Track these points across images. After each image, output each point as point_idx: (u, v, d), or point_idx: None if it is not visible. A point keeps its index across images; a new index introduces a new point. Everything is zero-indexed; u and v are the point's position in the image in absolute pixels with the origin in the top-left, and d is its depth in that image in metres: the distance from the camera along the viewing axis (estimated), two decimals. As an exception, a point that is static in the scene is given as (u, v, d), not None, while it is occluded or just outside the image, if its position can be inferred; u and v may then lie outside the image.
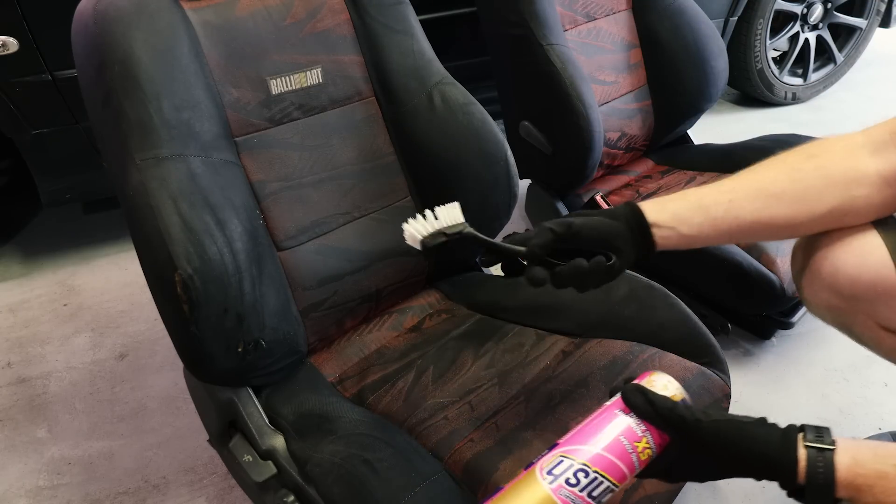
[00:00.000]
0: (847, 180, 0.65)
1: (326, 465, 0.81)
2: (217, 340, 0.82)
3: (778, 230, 0.69)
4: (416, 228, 0.71)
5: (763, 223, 0.68)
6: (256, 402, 0.93)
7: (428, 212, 0.72)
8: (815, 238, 0.75)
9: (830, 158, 0.67)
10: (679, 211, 0.70)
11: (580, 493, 0.58)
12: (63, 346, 1.57)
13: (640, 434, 0.60)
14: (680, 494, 0.83)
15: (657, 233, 0.70)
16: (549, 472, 0.59)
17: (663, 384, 0.64)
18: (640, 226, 0.70)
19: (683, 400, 0.64)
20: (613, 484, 0.59)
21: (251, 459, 0.89)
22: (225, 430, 0.94)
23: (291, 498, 0.85)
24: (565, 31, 1.46)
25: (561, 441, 0.62)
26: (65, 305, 1.71)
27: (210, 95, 0.89)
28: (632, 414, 0.61)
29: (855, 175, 0.65)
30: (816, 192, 0.66)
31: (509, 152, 1.08)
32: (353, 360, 1.04)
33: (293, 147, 0.99)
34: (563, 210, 1.56)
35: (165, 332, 0.84)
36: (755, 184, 0.69)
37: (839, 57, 2.57)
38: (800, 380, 1.34)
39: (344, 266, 1.03)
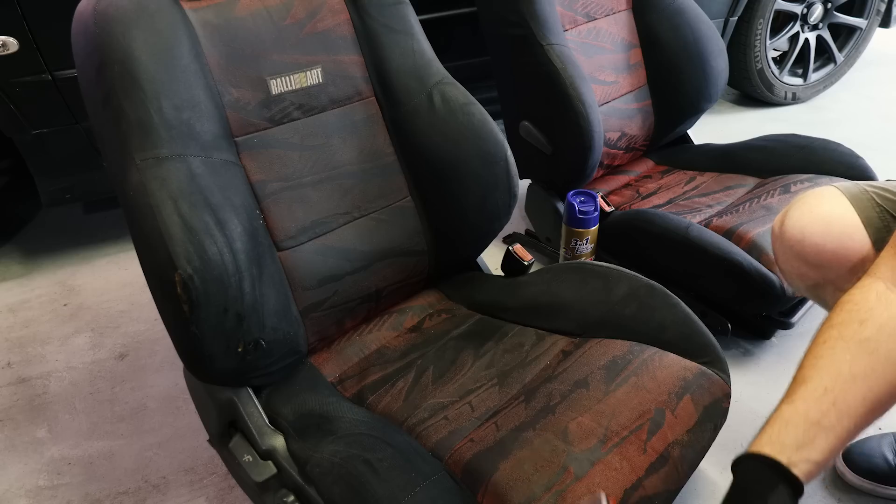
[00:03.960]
0: None
1: (326, 465, 0.81)
2: (217, 340, 0.82)
3: (891, 398, 0.66)
4: None
5: (873, 404, 0.66)
6: (256, 402, 0.93)
7: None
8: (788, 209, 0.75)
9: (878, 313, 0.65)
10: (799, 441, 0.66)
11: None
12: (63, 346, 1.57)
13: None
14: (680, 495, 0.83)
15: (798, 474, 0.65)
16: None
17: None
18: (785, 479, 0.64)
19: None
20: None
21: (251, 459, 0.89)
22: (225, 430, 0.94)
23: (291, 498, 0.85)
24: (565, 31, 1.46)
25: None
26: (65, 305, 1.71)
27: (210, 95, 0.89)
28: None
29: None
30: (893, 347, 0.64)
31: (509, 152, 1.08)
32: (353, 360, 1.04)
33: (293, 147, 0.99)
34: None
35: (165, 332, 0.84)
36: (842, 374, 0.66)
37: (839, 57, 2.57)
38: (800, 380, 1.34)
39: (344, 266, 1.03)
